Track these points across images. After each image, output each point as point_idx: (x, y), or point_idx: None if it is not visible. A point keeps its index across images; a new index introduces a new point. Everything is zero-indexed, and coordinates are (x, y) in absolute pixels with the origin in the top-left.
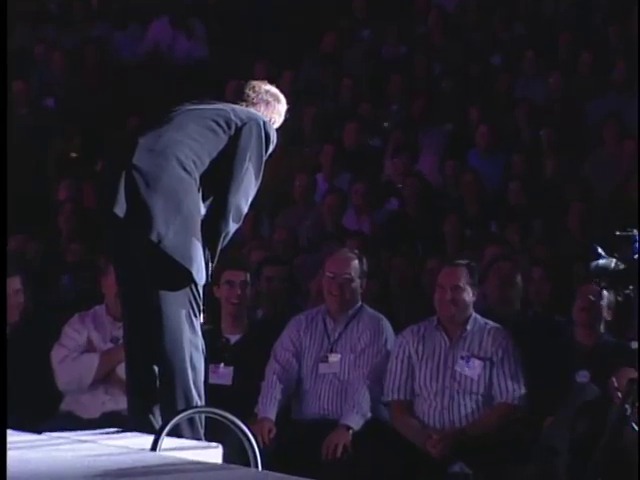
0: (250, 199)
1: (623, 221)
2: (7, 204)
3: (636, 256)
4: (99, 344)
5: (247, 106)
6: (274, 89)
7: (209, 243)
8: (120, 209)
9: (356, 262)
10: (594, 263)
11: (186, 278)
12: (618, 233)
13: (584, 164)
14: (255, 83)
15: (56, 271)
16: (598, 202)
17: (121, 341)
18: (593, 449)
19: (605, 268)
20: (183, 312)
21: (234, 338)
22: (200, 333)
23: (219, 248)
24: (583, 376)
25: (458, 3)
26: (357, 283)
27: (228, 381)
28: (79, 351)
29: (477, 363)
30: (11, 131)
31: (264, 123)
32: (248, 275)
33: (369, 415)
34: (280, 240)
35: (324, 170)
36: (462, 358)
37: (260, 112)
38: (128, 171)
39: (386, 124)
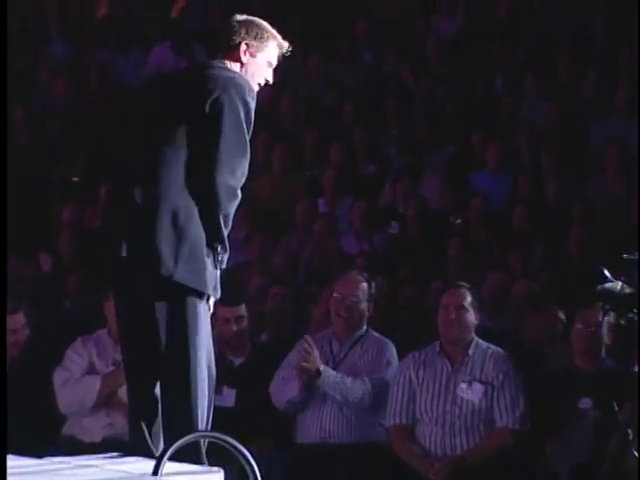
0: (239, 172)
1: (624, 244)
2: (7, 228)
3: None
4: (101, 367)
5: (231, 45)
6: (250, 17)
7: (210, 233)
8: (124, 250)
9: (364, 285)
10: (600, 286)
11: (203, 298)
12: (625, 256)
13: (586, 188)
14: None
15: (58, 295)
16: (599, 226)
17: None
18: (595, 475)
19: (611, 291)
20: (204, 333)
21: (238, 361)
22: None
23: (224, 233)
24: (585, 403)
25: (458, 27)
26: (364, 306)
27: (230, 403)
28: (81, 374)
29: (478, 387)
30: (12, 156)
31: (240, 87)
32: (243, 307)
33: None
34: (280, 264)
35: (325, 194)
36: (463, 382)
37: (228, 38)
38: (129, 209)
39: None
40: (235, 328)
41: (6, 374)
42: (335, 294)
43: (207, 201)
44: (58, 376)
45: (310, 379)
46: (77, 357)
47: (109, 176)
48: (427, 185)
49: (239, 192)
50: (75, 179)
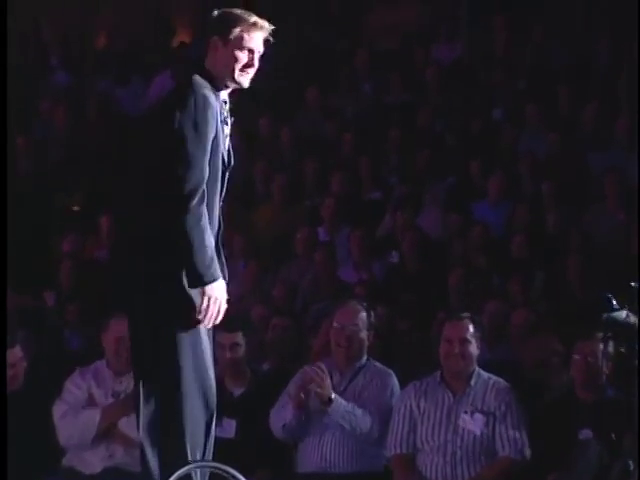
0: (190, 157)
1: (624, 273)
2: (8, 258)
3: None
4: (100, 399)
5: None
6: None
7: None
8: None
9: (364, 314)
10: (606, 314)
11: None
12: (632, 284)
13: (585, 217)
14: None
15: (57, 326)
16: (599, 255)
17: (122, 396)
18: None
19: (616, 319)
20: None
21: (237, 391)
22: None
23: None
24: (586, 433)
25: (457, 56)
26: (364, 335)
27: (231, 434)
28: (80, 406)
29: (480, 418)
30: (12, 186)
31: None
32: (240, 335)
33: None
34: (279, 296)
35: (325, 223)
36: (465, 413)
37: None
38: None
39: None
40: (229, 355)
41: (7, 406)
42: (334, 324)
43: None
44: (57, 409)
45: (319, 405)
46: (76, 389)
47: (110, 205)
48: (427, 214)
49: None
50: (76, 208)
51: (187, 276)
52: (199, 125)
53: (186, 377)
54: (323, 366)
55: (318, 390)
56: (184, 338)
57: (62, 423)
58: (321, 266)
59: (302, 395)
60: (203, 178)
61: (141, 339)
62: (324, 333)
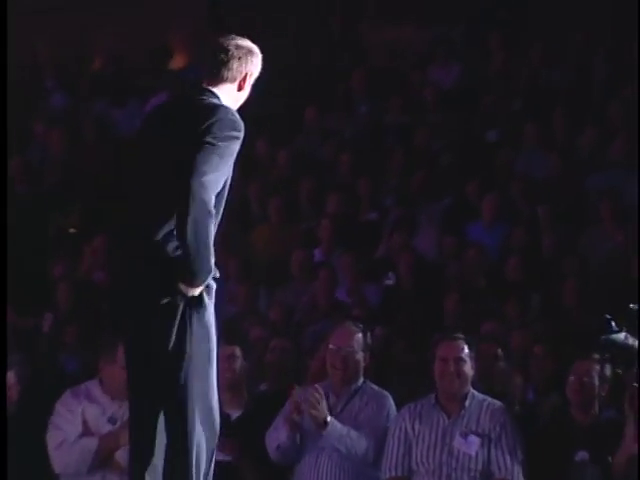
0: (213, 187)
1: (620, 296)
2: (7, 280)
3: None
4: (94, 423)
5: (219, 67)
6: (245, 42)
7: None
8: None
9: (359, 335)
10: (605, 336)
11: None
12: (631, 306)
13: (582, 239)
14: (223, 41)
15: (54, 349)
16: (595, 277)
17: (119, 423)
18: None
19: (614, 341)
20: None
21: (235, 414)
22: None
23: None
24: (582, 456)
25: (454, 78)
26: (360, 356)
27: (228, 456)
28: (76, 434)
29: (475, 439)
30: (11, 208)
31: (231, 120)
32: (237, 349)
33: None
34: (275, 318)
35: (322, 245)
36: (460, 435)
37: (234, 69)
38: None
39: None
40: (227, 366)
41: (7, 432)
42: (330, 346)
43: (181, 204)
44: (52, 437)
45: (314, 428)
46: (69, 414)
47: (106, 226)
48: (423, 236)
49: (212, 208)
50: (72, 230)
51: (182, 273)
52: (234, 143)
53: (195, 400)
54: (319, 388)
55: (313, 412)
56: (197, 359)
57: (57, 453)
58: (318, 287)
59: (295, 416)
60: (216, 192)
61: (144, 361)
62: (322, 355)
